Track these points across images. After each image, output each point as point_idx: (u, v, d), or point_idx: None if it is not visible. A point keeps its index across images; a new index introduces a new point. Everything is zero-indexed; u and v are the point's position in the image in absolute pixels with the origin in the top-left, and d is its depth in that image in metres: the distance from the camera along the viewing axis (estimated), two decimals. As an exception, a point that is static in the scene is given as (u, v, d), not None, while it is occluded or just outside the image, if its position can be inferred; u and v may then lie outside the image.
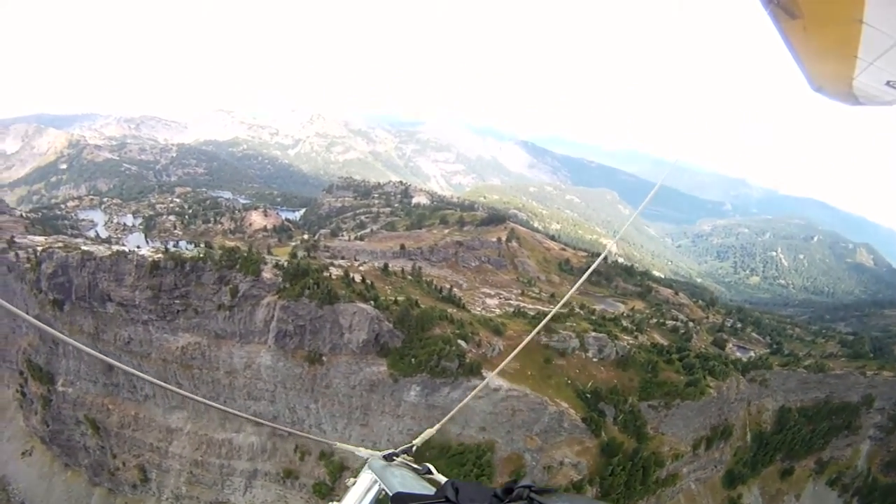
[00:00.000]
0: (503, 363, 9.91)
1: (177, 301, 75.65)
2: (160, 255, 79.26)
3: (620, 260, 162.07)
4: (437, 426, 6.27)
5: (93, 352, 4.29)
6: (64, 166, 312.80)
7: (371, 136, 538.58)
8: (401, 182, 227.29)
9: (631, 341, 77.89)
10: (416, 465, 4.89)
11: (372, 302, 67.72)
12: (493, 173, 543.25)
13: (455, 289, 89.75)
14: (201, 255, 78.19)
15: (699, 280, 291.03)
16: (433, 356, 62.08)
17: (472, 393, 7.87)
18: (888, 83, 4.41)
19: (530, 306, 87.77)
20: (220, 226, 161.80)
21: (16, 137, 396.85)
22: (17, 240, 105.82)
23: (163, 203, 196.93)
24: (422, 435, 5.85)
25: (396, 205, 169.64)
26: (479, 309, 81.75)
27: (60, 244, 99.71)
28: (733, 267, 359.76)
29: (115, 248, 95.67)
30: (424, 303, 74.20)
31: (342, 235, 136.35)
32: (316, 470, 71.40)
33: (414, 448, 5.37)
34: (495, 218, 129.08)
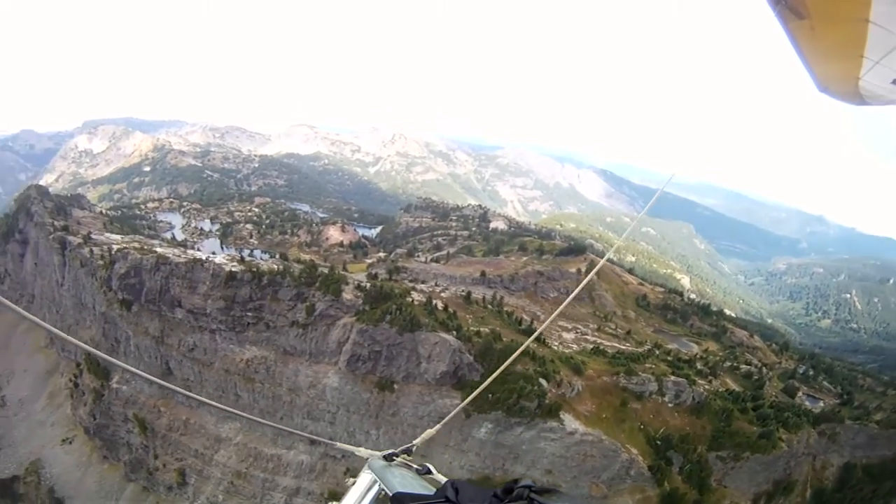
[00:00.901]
0: (503, 365, 8.84)
1: (249, 313, 75.30)
2: (238, 266, 79.04)
3: (693, 296, 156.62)
4: (437, 426, 6.29)
5: (106, 356, 4.50)
6: (147, 168, 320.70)
7: (451, 158, 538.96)
8: (479, 206, 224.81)
9: (706, 386, 74.75)
10: (416, 465, 5.03)
11: (454, 332, 65.87)
12: (571, 201, 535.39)
13: (534, 321, 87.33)
14: (280, 270, 77.72)
15: (769, 321, 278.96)
16: (513, 394, 60.33)
17: (473, 395, 8.03)
18: (894, 82, 4.60)
19: (607, 343, 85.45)
20: (296, 238, 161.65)
21: (103, 138, 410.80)
22: (93, 236, 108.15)
23: (241, 211, 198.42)
24: (422, 435, 5.96)
25: (474, 228, 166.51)
26: (556, 343, 79.46)
27: (136, 244, 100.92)
28: (805, 308, 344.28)
29: (190, 252, 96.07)
30: (505, 335, 71.95)
31: (418, 256, 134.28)
32: None
33: (414, 448, 5.51)
34: (575, 248, 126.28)
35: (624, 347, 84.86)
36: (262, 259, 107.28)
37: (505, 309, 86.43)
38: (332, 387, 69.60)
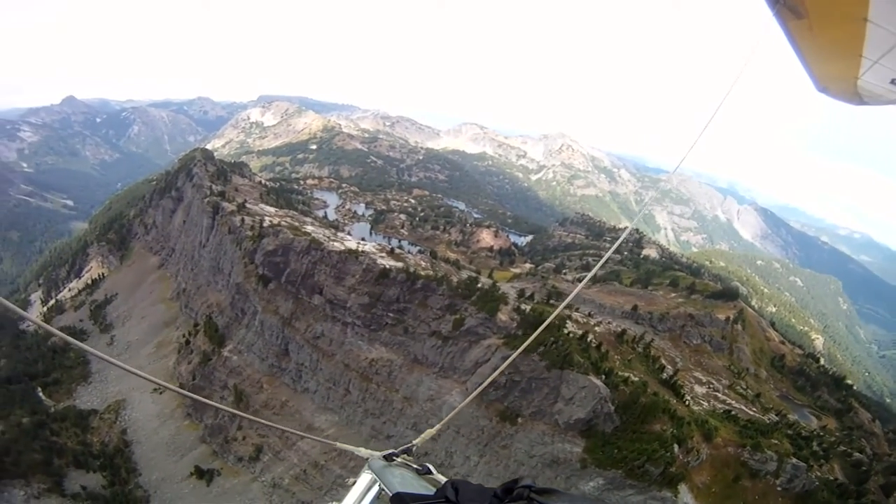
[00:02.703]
0: (499, 370, 8.04)
1: (390, 314, 75.83)
2: (393, 263, 79.48)
3: (822, 359, 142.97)
4: (437, 426, 6.15)
5: (88, 347, 4.37)
6: (314, 147, 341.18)
7: (615, 175, 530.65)
8: (636, 230, 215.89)
9: (818, 472, 68.10)
10: (416, 465, 4.94)
11: (603, 376, 62.63)
12: (724, 236, 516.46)
13: (670, 366, 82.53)
14: (437, 277, 76.72)
15: (888, 400, 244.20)
16: (642, 455, 56.58)
17: (473, 395, 7.73)
18: (893, 81, 4.51)
19: (735, 405, 79.79)
20: (447, 235, 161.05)
21: (276, 113, 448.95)
22: (248, 205, 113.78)
23: (397, 200, 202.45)
24: (422, 435, 5.81)
25: (626, 253, 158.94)
26: (688, 396, 74.65)
27: (288, 219, 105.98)
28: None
29: (340, 235, 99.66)
30: (650, 384, 67.74)
31: (565, 273, 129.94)
32: None
33: (414, 448, 5.39)
34: (727, 293, 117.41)
35: (752, 413, 78.86)
36: (410, 252, 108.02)
37: (651, 353, 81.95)
38: (453, 406, 67.94)
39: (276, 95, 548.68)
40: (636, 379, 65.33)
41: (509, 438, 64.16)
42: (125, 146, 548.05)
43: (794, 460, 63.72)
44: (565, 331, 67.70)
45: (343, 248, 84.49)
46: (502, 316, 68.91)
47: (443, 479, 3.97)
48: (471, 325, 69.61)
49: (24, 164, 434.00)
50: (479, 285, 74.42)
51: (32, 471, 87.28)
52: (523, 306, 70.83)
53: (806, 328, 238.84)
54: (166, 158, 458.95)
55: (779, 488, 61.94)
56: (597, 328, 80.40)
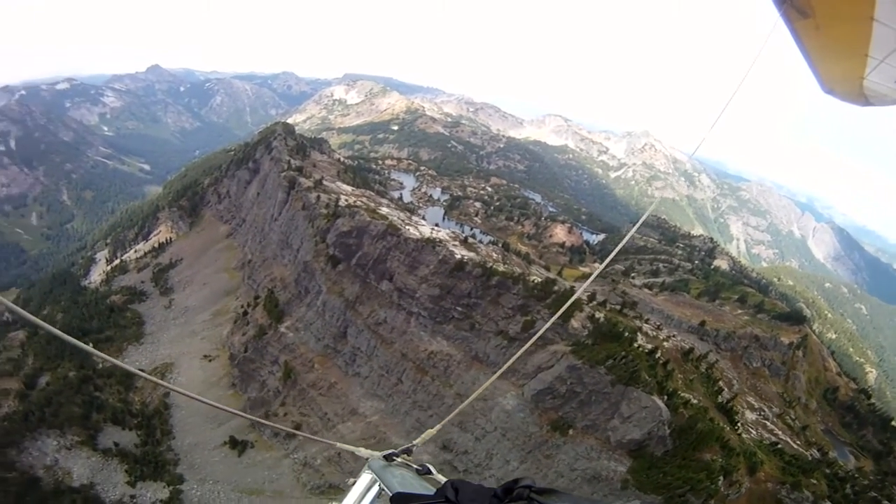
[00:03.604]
0: (496, 375, 7.81)
1: (458, 308, 79.75)
2: (468, 255, 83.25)
3: (872, 394, 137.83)
4: (437, 426, 6.36)
5: (82, 345, 4.43)
6: (395, 127, 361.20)
7: (694, 180, 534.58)
8: (710, 239, 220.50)
9: None
10: (416, 465, 5.17)
11: (666, 397, 63.09)
12: (796, 254, 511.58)
13: (726, 388, 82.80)
14: (515, 275, 78.51)
15: None
16: (686, 484, 56.95)
17: (477, 392, 7.75)
18: None
19: (782, 436, 79.73)
20: (520, 227, 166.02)
21: (360, 92, 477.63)
22: (325, 182, 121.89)
23: (474, 187, 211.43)
24: (422, 435, 6.07)
25: (697, 262, 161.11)
26: (739, 422, 74.41)
27: (364, 199, 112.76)
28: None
29: (419, 224, 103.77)
30: (707, 409, 68.01)
31: (633, 277, 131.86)
32: None
33: (414, 448, 5.64)
34: (794, 316, 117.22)
35: (796, 446, 78.45)
36: (481, 242, 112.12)
37: (713, 374, 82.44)
38: (505, 408, 70.89)
39: (361, 74, 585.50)
40: (695, 401, 66.29)
41: (555, 448, 65.85)
42: (206, 115, 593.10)
43: (828, 503, 63.50)
44: (636, 345, 69.40)
45: (420, 235, 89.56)
46: (575, 322, 70.71)
47: (442, 479, 4.20)
48: (540, 328, 70.60)
49: (105, 128, 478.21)
50: (556, 288, 76.69)
51: (69, 423, 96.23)
52: (597, 314, 72.47)
53: (862, 360, 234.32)
54: (246, 130, 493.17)
55: None
56: (665, 343, 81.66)
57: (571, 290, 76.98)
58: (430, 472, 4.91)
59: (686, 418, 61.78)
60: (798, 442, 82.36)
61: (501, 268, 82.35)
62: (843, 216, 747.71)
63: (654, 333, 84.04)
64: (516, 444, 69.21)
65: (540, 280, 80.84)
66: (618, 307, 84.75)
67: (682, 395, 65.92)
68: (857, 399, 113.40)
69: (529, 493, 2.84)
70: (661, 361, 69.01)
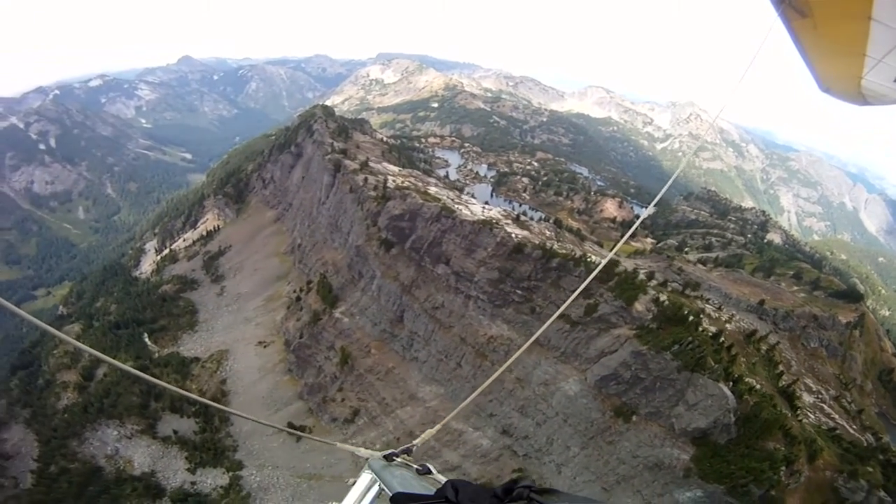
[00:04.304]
0: (501, 369, 7.95)
1: (518, 291, 79.70)
2: (526, 235, 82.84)
3: None
4: (437, 426, 6.43)
5: (97, 353, 4.66)
6: (435, 105, 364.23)
7: (742, 150, 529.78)
8: (763, 212, 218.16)
9: None
10: (416, 465, 5.29)
11: (731, 383, 61.84)
12: (848, 226, 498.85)
13: (785, 370, 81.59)
14: (576, 257, 77.63)
15: None
16: (750, 474, 56.32)
17: (482, 387, 7.68)
18: None
19: (838, 420, 78.48)
20: (569, 202, 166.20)
21: (396, 71, 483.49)
22: (371, 164, 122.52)
23: (520, 163, 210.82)
24: (422, 435, 6.13)
25: (749, 236, 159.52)
26: (798, 407, 73.24)
27: (411, 181, 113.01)
28: None
29: (469, 203, 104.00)
30: (770, 393, 66.90)
31: (686, 252, 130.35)
32: None
33: (414, 448, 5.76)
34: (851, 294, 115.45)
35: (852, 431, 77.61)
36: (532, 219, 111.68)
37: (774, 357, 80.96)
38: (567, 393, 71.11)
39: (396, 53, 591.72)
40: (758, 387, 65.37)
41: (618, 435, 65.75)
42: (243, 102, 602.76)
43: (883, 493, 62.24)
44: (700, 329, 68.25)
45: (474, 217, 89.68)
46: (639, 306, 69.57)
47: (442, 479, 4.33)
48: (604, 312, 71.09)
49: (143, 120, 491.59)
50: (619, 270, 75.43)
51: (129, 412, 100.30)
52: (661, 297, 71.17)
53: None
54: (285, 114, 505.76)
55: None
56: (727, 325, 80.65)
57: (634, 273, 76.34)
58: (430, 472, 5.11)
59: (751, 406, 61.03)
60: (854, 426, 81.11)
61: (559, 248, 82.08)
62: (895, 187, 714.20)
63: (717, 315, 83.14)
64: (578, 430, 69.37)
65: (601, 261, 79.03)
66: (680, 288, 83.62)
67: (747, 380, 65.04)
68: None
69: (529, 493, 2.96)
70: (725, 345, 68.09)
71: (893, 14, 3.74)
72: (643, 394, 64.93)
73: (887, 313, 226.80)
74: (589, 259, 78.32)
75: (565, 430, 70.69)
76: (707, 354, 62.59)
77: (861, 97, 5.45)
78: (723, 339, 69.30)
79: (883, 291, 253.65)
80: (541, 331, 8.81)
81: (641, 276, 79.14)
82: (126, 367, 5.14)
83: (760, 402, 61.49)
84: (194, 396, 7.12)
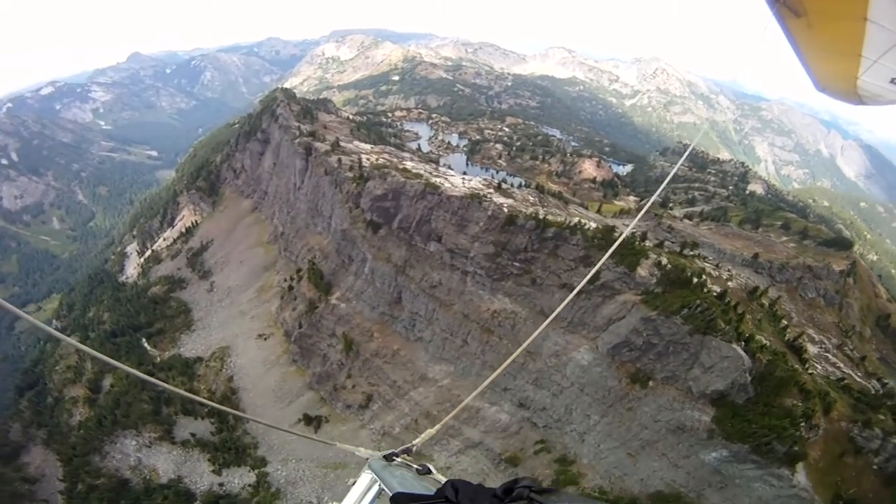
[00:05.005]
0: (511, 358, 7.63)
1: (516, 264, 74.49)
2: (521, 210, 77.19)
3: None
4: (437, 426, 6.27)
5: (89, 349, 4.33)
6: (396, 78, 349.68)
7: (712, 102, 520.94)
8: (742, 163, 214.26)
9: None
10: (416, 465, 4.92)
11: (743, 343, 59.15)
12: (826, 173, 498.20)
13: (787, 323, 78.37)
14: (571, 225, 72.64)
15: None
16: (772, 432, 54.83)
17: (477, 390, 7.80)
18: (892, 81, 4.35)
19: (844, 369, 76.52)
20: (546, 165, 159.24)
21: (351, 47, 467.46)
22: (342, 144, 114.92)
23: (491, 129, 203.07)
24: (422, 435, 5.82)
25: (731, 188, 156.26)
26: (807, 360, 70.88)
27: (385, 158, 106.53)
28: None
29: (447, 175, 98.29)
30: (782, 351, 64.39)
31: (671, 208, 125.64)
32: (542, 469, 68.79)
33: (414, 448, 5.42)
34: (841, 242, 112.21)
35: (858, 378, 75.84)
36: (512, 186, 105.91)
37: (777, 311, 78.50)
38: (580, 363, 67.72)
39: (350, 29, 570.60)
40: (767, 343, 62.51)
41: (636, 401, 63.33)
42: (200, 93, 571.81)
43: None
44: (706, 290, 64.97)
45: (462, 192, 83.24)
46: (642, 271, 65.82)
47: (442, 479, 4.00)
48: (607, 280, 67.07)
49: (102, 123, 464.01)
50: (616, 236, 70.48)
51: (143, 420, 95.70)
52: (663, 261, 67.26)
53: None
54: (244, 101, 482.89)
55: (875, 466, 59.46)
56: (729, 283, 77.15)
57: (629, 238, 70.50)
58: (429, 472, 4.71)
59: (765, 364, 58.65)
60: (859, 374, 79.14)
61: (552, 217, 76.93)
62: (869, 133, 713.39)
63: (717, 273, 79.59)
64: (596, 399, 66.78)
65: (599, 227, 75.08)
66: (678, 249, 79.49)
67: (757, 338, 62.21)
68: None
69: (529, 493, 2.78)
70: (731, 305, 64.92)
71: (888, 15, 3.54)
72: (657, 359, 62.30)
73: (875, 258, 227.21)
74: (585, 226, 73.47)
75: (583, 400, 67.98)
76: (717, 316, 59.89)
77: (857, 97, 5.14)
78: (728, 298, 66.19)
79: (868, 236, 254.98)
80: (555, 314, 8.45)
81: (639, 240, 74.83)
82: (136, 371, 4.95)
83: (773, 359, 59.22)
84: (209, 403, 6.30)
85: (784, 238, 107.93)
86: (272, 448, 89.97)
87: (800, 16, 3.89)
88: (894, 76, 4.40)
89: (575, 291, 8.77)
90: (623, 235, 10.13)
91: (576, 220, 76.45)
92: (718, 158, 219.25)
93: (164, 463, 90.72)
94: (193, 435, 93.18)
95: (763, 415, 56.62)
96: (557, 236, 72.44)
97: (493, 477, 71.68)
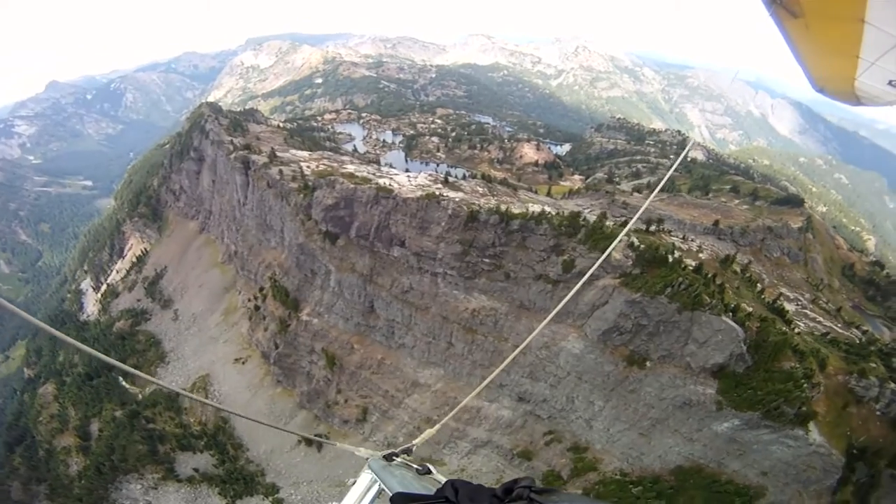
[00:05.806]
0: (513, 355, 7.41)
1: (486, 260, 68.30)
2: (481, 206, 70.89)
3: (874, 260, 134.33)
4: (437, 426, 5.76)
5: (99, 354, 3.94)
6: (319, 80, 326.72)
7: (637, 74, 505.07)
8: (678, 132, 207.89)
9: None
10: (416, 465, 4.61)
11: (730, 314, 56.48)
12: (760, 133, 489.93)
13: (761, 286, 75.49)
14: (535, 215, 67.28)
15: None
16: (779, 397, 52.46)
17: (474, 392, 7.31)
18: (890, 83, 4.13)
19: (825, 322, 74.55)
20: (486, 153, 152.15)
21: (269, 53, 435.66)
22: (279, 154, 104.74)
23: (424, 122, 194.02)
24: (421, 435, 5.48)
25: (672, 156, 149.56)
26: (791, 320, 68.46)
27: (325, 164, 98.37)
28: None
29: (391, 174, 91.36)
30: (771, 317, 61.59)
31: (617, 182, 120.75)
32: (557, 459, 64.81)
33: (414, 448, 5.16)
34: (793, 199, 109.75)
35: (839, 330, 74.15)
36: (457, 177, 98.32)
37: (751, 276, 75.68)
38: (571, 352, 62.68)
39: (265, 36, 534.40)
40: (751, 310, 59.73)
41: (637, 383, 59.63)
42: (124, 116, 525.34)
43: (894, 385, 59.74)
44: (683, 266, 60.57)
45: (417, 194, 74.98)
46: (616, 254, 61.33)
47: (442, 479, 3.76)
48: (583, 267, 61.97)
49: (31, 157, 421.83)
50: (583, 221, 65.75)
51: (141, 462, 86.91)
52: (635, 241, 62.75)
53: (857, 228, 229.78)
54: (170, 119, 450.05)
55: (878, 413, 58.52)
56: (701, 255, 73.41)
57: (599, 223, 65.91)
58: (429, 472, 4.46)
59: (756, 331, 55.92)
60: (839, 325, 77.09)
61: (515, 210, 70.34)
62: (795, 89, 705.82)
63: (687, 246, 75.39)
64: (596, 385, 62.45)
65: (563, 215, 68.68)
66: (643, 227, 73.90)
67: (742, 306, 59.27)
68: (875, 272, 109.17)
69: (529, 493, 2.68)
70: (710, 277, 61.28)
71: (886, 17, 3.40)
72: (649, 339, 58.63)
73: (824, 209, 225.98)
74: (549, 215, 67.64)
75: (583, 387, 63.47)
76: (701, 291, 56.43)
77: (855, 98, 4.88)
78: (706, 271, 62.33)
79: (813, 189, 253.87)
80: (550, 317, 7.83)
81: (600, 220, 68.38)
82: (137, 371, 4.61)
83: (763, 326, 56.63)
84: (226, 408, 5.93)
85: (736, 201, 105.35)
86: (280, 473, 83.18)
87: (797, 17, 3.68)
88: (892, 78, 4.10)
89: (574, 292, 8.25)
90: (622, 236, 10.04)
91: (538, 208, 71.05)
92: (654, 129, 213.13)
93: (175, 502, 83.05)
94: (196, 470, 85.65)
95: (766, 381, 54.19)
96: (523, 228, 66.61)
97: (510, 473, 67.54)
